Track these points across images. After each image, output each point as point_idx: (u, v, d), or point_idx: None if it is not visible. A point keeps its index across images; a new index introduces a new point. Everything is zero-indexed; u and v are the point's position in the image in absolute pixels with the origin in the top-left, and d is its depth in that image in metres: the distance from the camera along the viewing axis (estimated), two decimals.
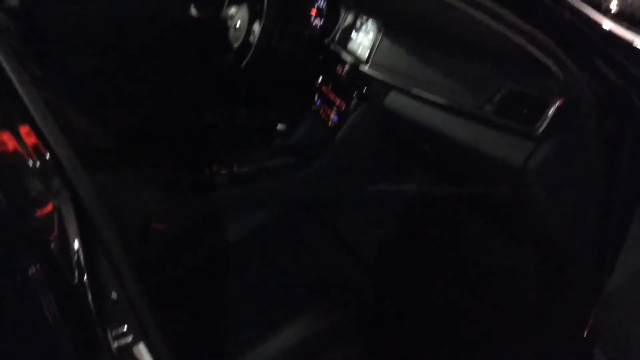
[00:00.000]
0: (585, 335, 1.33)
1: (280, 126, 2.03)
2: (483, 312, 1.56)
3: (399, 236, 1.83)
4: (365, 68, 1.79)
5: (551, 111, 1.20)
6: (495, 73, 1.34)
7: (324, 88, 2.13)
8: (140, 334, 0.87)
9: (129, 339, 0.85)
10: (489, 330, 1.52)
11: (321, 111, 2.11)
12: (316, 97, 2.18)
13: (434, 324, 1.57)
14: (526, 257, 1.53)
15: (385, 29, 1.75)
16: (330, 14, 2.14)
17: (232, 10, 2.35)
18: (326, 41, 2.13)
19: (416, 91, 1.56)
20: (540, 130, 1.22)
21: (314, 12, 2.27)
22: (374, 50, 1.77)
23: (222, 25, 2.39)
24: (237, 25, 2.26)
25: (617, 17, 1.15)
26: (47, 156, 0.79)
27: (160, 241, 1.63)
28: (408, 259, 1.73)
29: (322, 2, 2.23)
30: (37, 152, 0.79)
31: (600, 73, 1.12)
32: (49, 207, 0.76)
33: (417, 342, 1.52)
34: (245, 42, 2.15)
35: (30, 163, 0.77)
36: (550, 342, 1.39)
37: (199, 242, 1.69)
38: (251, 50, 2.05)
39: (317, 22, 2.25)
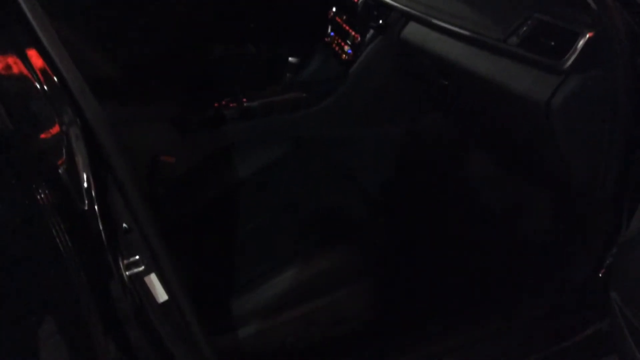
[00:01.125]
0: (601, 276, 1.32)
1: (292, 59, 1.96)
2: (497, 251, 1.55)
3: (412, 175, 1.80)
4: None
5: (580, 44, 1.14)
6: (521, 3, 1.27)
7: (337, 19, 2.04)
8: (152, 264, 0.86)
9: (141, 268, 0.83)
10: (501, 270, 1.51)
11: (334, 44, 2.03)
12: (329, 29, 2.09)
13: (445, 263, 1.56)
14: (543, 197, 1.50)
15: None
16: None
17: None
18: None
19: (437, 22, 1.48)
20: (568, 64, 1.16)
21: None
22: None
23: None
24: None
25: None
26: (55, 80, 0.75)
27: (169, 176, 1.60)
28: (420, 200, 1.70)
29: None
30: (45, 76, 0.75)
31: (634, 5, 1.05)
32: (57, 130, 0.73)
33: (426, 280, 1.51)
34: None
35: (38, 86, 0.74)
36: (566, 281, 1.38)
37: (208, 177, 1.67)
38: None
39: None
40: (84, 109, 0.75)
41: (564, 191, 1.45)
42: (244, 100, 1.88)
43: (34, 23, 0.76)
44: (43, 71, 0.76)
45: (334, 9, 2.09)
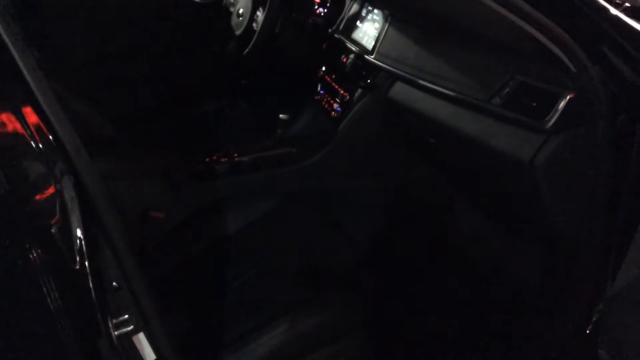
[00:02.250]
0: (588, 332, 1.32)
1: (282, 116, 2.00)
2: (484, 307, 1.55)
3: (400, 229, 1.82)
4: (371, 58, 1.76)
5: (562, 105, 1.18)
6: (504, 65, 1.32)
7: (327, 78, 2.11)
8: (141, 324, 0.86)
9: (130, 327, 0.83)
10: (489, 326, 1.50)
11: (324, 101, 2.08)
12: (319, 87, 2.15)
13: (433, 319, 1.55)
14: (530, 253, 1.52)
15: (392, 18, 1.72)
16: (335, 3, 2.11)
17: None
18: (330, 30, 2.11)
19: (423, 82, 1.53)
20: (550, 124, 1.20)
21: (317, 0, 2.24)
22: (380, 40, 1.75)
23: (224, 11, 2.35)
24: (240, 12, 2.22)
25: (630, 12, 1.13)
26: (50, 138, 0.77)
27: (159, 230, 1.61)
28: (408, 252, 1.71)
29: None
30: (40, 134, 0.76)
31: (613, 67, 1.09)
32: (51, 190, 0.74)
33: (415, 338, 1.50)
34: (248, 29, 2.12)
35: (33, 144, 0.75)
36: (553, 338, 1.38)
37: (198, 232, 1.67)
38: (254, 38, 2.01)
39: (321, 10, 2.22)
40: (78, 167, 0.76)
41: (549, 246, 1.47)
42: (235, 155, 1.90)
43: (30, 80, 0.78)
44: (38, 129, 0.78)
45: (323, 68, 2.15)
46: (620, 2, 1.28)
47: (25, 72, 0.78)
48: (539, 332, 1.41)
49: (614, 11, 1.11)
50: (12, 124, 0.77)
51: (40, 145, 0.77)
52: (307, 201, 1.83)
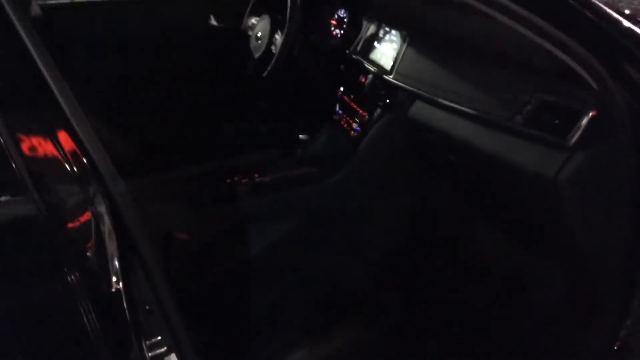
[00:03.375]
0: (615, 351, 1.30)
1: (302, 136, 2.03)
2: (508, 322, 1.54)
3: (421, 249, 1.81)
4: (390, 78, 1.78)
5: (584, 122, 1.18)
6: (524, 83, 1.33)
7: (345, 98, 2.13)
8: (173, 345, 0.87)
9: (163, 349, 0.84)
10: (513, 341, 1.49)
11: (343, 121, 2.10)
12: (337, 107, 2.17)
13: (457, 334, 1.54)
14: (554, 271, 1.51)
15: (410, 39, 1.74)
16: (352, 24, 2.14)
17: (253, 20, 2.36)
18: (348, 51, 2.13)
19: (443, 101, 1.54)
20: (573, 141, 1.20)
21: (333, 22, 2.27)
22: (398, 60, 1.77)
23: (243, 35, 2.39)
24: (259, 35, 2.26)
25: None
26: (85, 163, 0.79)
27: (183, 252, 1.62)
28: (429, 272, 1.71)
29: (342, 12, 2.24)
30: (75, 159, 0.78)
31: (634, 84, 1.09)
32: (87, 216, 0.76)
33: (440, 352, 1.49)
34: (267, 51, 2.15)
35: (68, 169, 0.77)
36: (579, 354, 1.36)
37: (221, 254, 1.69)
38: (273, 60, 2.05)
39: (338, 32, 2.25)
40: (112, 192, 0.78)
41: (574, 263, 1.46)
42: (256, 175, 1.92)
43: (65, 106, 0.80)
44: (73, 154, 0.80)
45: (341, 89, 2.17)
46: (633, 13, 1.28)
47: (60, 98, 0.81)
48: (565, 349, 1.39)
49: (630, 25, 1.12)
50: (48, 149, 0.80)
51: (76, 170, 0.79)
52: (328, 222, 1.83)
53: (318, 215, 1.85)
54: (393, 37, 1.87)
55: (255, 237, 1.77)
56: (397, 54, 1.78)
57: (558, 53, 1.12)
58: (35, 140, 0.81)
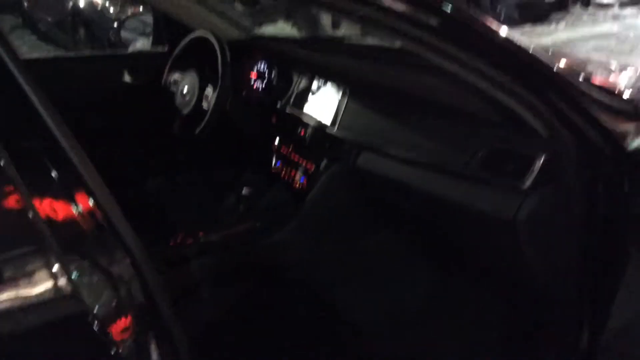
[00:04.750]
0: None
1: (244, 190, 2.01)
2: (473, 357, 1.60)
3: (374, 290, 1.84)
4: (333, 131, 1.82)
5: (537, 166, 1.30)
6: (476, 132, 1.43)
7: (283, 150, 2.14)
8: None
9: None
10: None
11: (283, 173, 2.11)
12: (274, 159, 2.18)
13: None
14: (513, 305, 1.60)
15: (351, 92, 1.80)
16: (282, 78, 2.18)
17: (176, 76, 2.32)
18: (279, 105, 2.16)
19: (393, 152, 1.61)
20: (528, 184, 1.31)
21: (253, 75, 2.30)
22: (340, 113, 1.82)
23: (166, 91, 2.34)
24: (185, 91, 2.22)
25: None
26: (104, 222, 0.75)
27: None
28: (392, 316, 1.74)
29: (262, 65, 2.27)
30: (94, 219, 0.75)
31: (579, 131, 1.22)
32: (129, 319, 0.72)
33: None
34: (197, 107, 2.12)
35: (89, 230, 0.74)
36: None
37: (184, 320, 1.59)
38: (207, 116, 2.02)
39: (259, 85, 2.28)
40: (147, 279, 0.74)
41: (523, 299, 1.57)
42: (200, 234, 1.86)
43: (80, 167, 0.77)
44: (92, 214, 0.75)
45: (277, 140, 2.19)
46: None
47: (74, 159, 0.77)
48: None
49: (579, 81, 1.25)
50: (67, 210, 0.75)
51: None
52: (280, 275, 1.81)
53: (272, 270, 1.82)
54: (330, 90, 1.92)
55: (212, 298, 1.70)
56: (338, 107, 1.83)
57: (509, 103, 1.21)
58: (55, 206, 0.77)
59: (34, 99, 0.81)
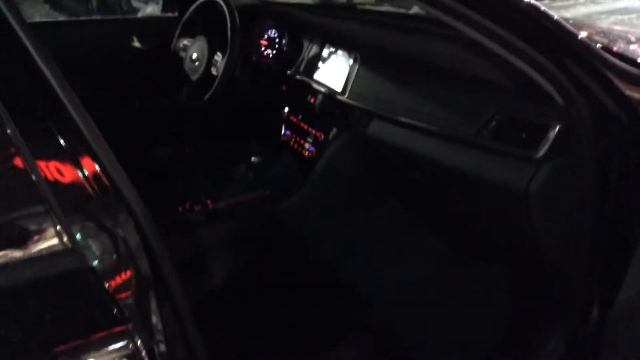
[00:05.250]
0: (590, 347, 1.40)
1: (253, 159, 1.99)
2: (480, 330, 1.59)
3: (385, 261, 1.83)
4: (344, 98, 1.79)
5: (551, 136, 1.27)
6: (488, 99, 1.39)
7: (292, 118, 2.12)
8: None
9: None
10: (490, 353, 1.55)
11: (292, 142, 2.09)
12: (283, 128, 2.16)
13: (427, 347, 1.57)
14: (522, 278, 1.59)
15: (362, 59, 1.77)
16: (292, 45, 2.14)
17: (185, 41, 2.29)
18: (289, 72, 2.13)
19: (403, 119, 1.58)
20: (541, 153, 1.28)
21: (263, 42, 2.26)
22: (351, 80, 1.78)
23: (175, 57, 2.31)
24: (194, 57, 2.19)
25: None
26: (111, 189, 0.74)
27: None
28: (399, 287, 1.73)
29: (272, 32, 2.23)
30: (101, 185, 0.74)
31: (595, 97, 1.19)
32: (128, 266, 0.71)
33: None
34: (207, 73, 2.10)
35: (96, 198, 0.73)
36: (550, 353, 1.44)
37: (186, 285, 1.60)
38: (216, 83, 1.99)
39: (269, 52, 2.24)
40: (145, 230, 0.74)
41: (542, 270, 1.55)
42: (208, 202, 1.86)
43: (85, 131, 0.76)
44: (99, 180, 0.75)
45: (286, 109, 2.16)
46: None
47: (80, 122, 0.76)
48: (533, 348, 1.47)
49: (593, 44, 1.21)
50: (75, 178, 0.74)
51: (104, 200, 0.75)
52: (289, 244, 1.81)
53: (280, 238, 1.82)
54: (340, 57, 1.88)
55: (218, 265, 1.70)
56: (349, 74, 1.80)
57: (527, 69, 1.18)
58: (60, 169, 0.76)
59: (40, 62, 0.79)
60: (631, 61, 1.26)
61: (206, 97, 2.04)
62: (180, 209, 1.82)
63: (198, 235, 1.79)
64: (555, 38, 1.13)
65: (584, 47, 1.15)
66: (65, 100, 0.75)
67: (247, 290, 1.64)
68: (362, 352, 1.48)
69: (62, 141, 0.77)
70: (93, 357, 0.62)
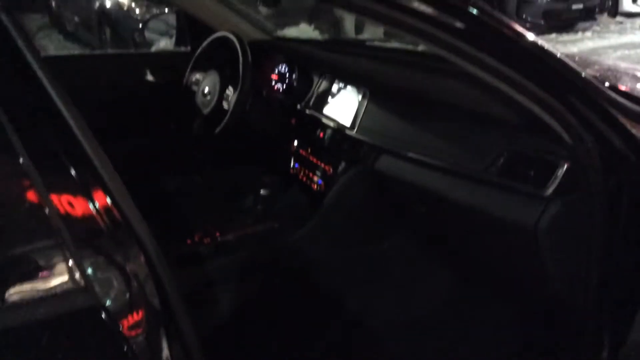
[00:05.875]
0: None
1: (262, 191, 2.01)
2: None
3: (389, 294, 1.82)
4: (353, 133, 1.82)
5: (560, 173, 1.27)
6: (497, 137, 1.41)
7: (302, 152, 2.14)
8: None
9: None
10: None
11: (301, 175, 2.10)
12: (292, 161, 2.18)
13: None
14: (531, 316, 1.57)
15: (371, 95, 1.79)
16: (303, 80, 2.18)
17: (197, 75, 2.33)
18: (299, 106, 2.16)
19: (412, 155, 1.59)
20: (550, 191, 1.28)
21: (274, 76, 2.30)
22: (360, 115, 1.81)
23: (187, 90, 2.35)
24: (206, 91, 2.23)
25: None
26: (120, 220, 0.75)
27: None
28: (406, 322, 1.72)
29: (282, 67, 2.28)
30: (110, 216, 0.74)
31: (604, 137, 1.20)
32: (140, 307, 0.72)
33: None
34: (218, 107, 2.13)
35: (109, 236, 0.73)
36: None
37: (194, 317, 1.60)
38: (227, 116, 2.02)
39: (280, 87, 2.28)
40: (159, 272, 0.74)
41: (541, 308, 1.54)
42: (217, 234, 1.86)
43: (97, 164, 0.77)
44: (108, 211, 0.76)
45: (295, 143, 2.19)
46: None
47: (91, 155, 0.77)
48: None
49: (601, 86, 1.23)
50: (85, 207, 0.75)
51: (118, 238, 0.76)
52: (296, 276, 1.81)
53: (289, 271, 1.82)
54: (350, 93, 1.91)
55: (227, 298, 1.70)
56: (358, 109, 1.82)
57: (534, 108, 1.19)
58: (73, 203, 0.77)
59: (54, 95, 0.81)
60: (638, 100, 1.28)
61: (217, 130, 2.07)
62: (189, 241, 1.83)
63: (206, 268, 1.79)
64: (560, 76, 1.14)
65: (590, 86, 1.17)
66: (77, 133, 0.77)
67: (255, 322, 1.64)
68: None
69: (74, 174, 0.78)
70: None
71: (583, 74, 1.16)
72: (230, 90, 2.12)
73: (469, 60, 1.12)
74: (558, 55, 1.12)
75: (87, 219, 0.76)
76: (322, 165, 2.01)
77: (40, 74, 0.84)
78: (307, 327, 1.60)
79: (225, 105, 2.12)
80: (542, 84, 1.15)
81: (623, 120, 1.19)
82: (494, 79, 1.15)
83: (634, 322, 1.25)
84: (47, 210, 0.71)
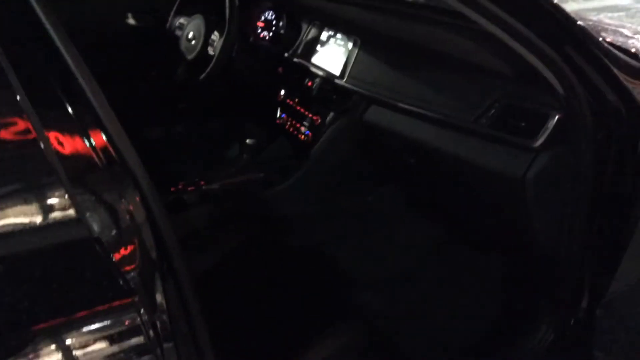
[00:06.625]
0: (579, 335, 1.42)
1: (248, 141, 1.97)
2: (471, 317, 1.61)
3: (379, 246, 1.84)
4: (342, 82, 1.78)
5: (551, 124, 1.27)
6: (488, 87, 1.39)
7: (289, 101, 2.10)
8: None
9: None
10: (481, 339, 1.56)
11: (288, 125, 2.07)
12: (279, 111, 2.14)
13: (418, 332, 1.59)
14: (514, 266, 1.60)
15: (362, 43, 1.76)
16: (290, 27, 2.12)
17: (182, 20, 2.25)
18: (286, 54, 2.11)
19: (402, 105, 1.58)
20: (539, 142, 1.28)
21: (260, 23, 2.24)
22: (350, 64, 1.77)
23: (170, 35, 2.28)
24: (190, 36, 2.16)
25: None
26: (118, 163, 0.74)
27: None
28: (391, 270, 1.74)
29: (269, 14, 2.22)
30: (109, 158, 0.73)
31: (595, 88, 1.19)
32: (133, 238, 0.70)
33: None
34: (203, 53, 2.07)
35: (104, 171, 0.72)
36: (540, 340, 1.46)
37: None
38: (212, 62, 1.97)
39: (266, 34, 2.22)
40: (150, 203, 0.73)
41: (525, 258, 1.56)
42: (202, 183, 1.84)
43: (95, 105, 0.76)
44: (107, 154, 0.75)
45: (282, 92, 2.15)
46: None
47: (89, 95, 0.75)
48: (526, 336, 1.49)
49: (598, 36, 1.22)
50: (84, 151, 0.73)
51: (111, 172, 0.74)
52: (283, 227, 1.81)
53: (272, 220, 1.81)
54: (339, 41, 1.87)
55: (211, 247, 1.69)
56: (348, 58, 1.79)
57: (528, 56, 1.17)
58: (69, 139, 0.75)
59: (52, 33, 0.79)
60: (631, 54, 1.27)
61: (202, 76, 2.01)
62: (173, 189, 1.81)
63: (190, 216, 1.78)
64: (557, 24, 1.12)
65: (587, 36, 1.15)
66: (76, 71, 0.74)
67: (239, 272, 1.64)
68: (353, 335, 1.48)
69: (71, 111, 0.75)
70: (98, 329, 0.62)
71: (580, 23, 1.15)
72: (215, 35, 2.06)
73: (464, 2, 1.09)
74: (554, 0, 1.10)
75: (82, 156, 0.74)
76: (310, 115, 1.98)
77: (38, 9, 0.80)
78: (291, 276, 1.61)
79: (210, 50, 2.06)
80: (538, 31, 1.13)
81: (617, 73, 1.18)
82: (489, 23, 1.12)
83: (614, 274, 1.28)
84: (42, 146, 0.69)
